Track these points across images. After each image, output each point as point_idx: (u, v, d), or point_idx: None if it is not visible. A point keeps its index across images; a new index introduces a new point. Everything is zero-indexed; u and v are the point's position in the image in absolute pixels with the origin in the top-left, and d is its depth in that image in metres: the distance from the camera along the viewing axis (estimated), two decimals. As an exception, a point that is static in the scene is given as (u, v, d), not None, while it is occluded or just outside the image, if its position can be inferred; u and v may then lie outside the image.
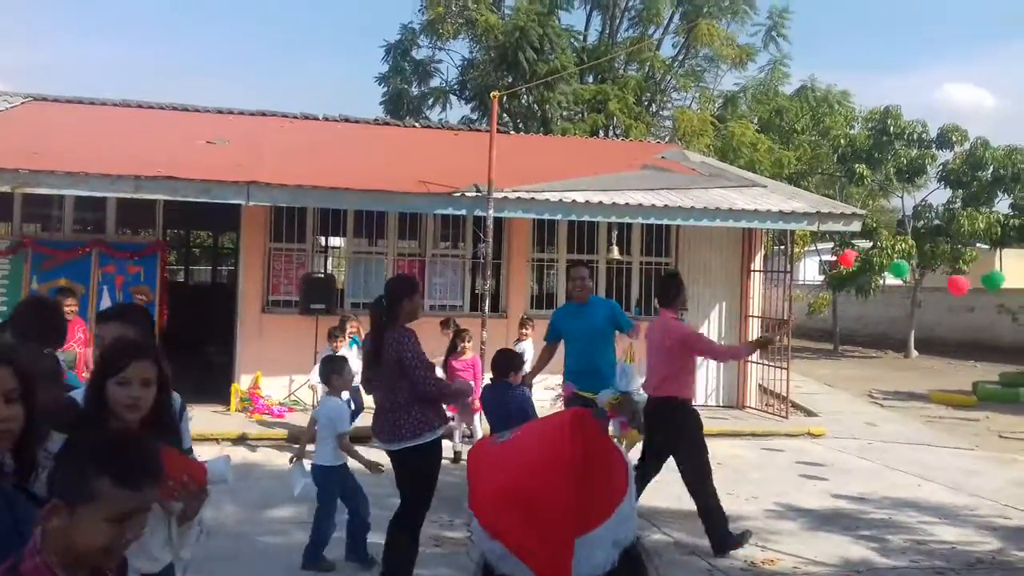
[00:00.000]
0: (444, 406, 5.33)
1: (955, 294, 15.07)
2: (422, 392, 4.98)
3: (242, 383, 11.17)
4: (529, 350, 9.46)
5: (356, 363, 7.62)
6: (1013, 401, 14.90)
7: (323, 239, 13.43)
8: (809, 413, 12.55)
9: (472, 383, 8.08)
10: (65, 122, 12.88)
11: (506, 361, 6.05)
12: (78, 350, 7.87)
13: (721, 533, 6.19)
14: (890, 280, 26.00)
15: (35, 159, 9.84)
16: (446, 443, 7.92)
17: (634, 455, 6.47)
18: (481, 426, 8.84)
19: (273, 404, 10.86)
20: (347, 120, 15.68)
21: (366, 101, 73.71)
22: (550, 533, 1.12)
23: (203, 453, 7.96)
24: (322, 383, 6.32)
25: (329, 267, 14.48)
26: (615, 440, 6.17)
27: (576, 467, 1.15)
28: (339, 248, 14.03)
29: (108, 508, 1.81)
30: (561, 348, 7.15)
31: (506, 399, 5.81)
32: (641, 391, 6.47)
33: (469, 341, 9.03)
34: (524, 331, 10.20)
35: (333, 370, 6.04)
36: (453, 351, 9.00)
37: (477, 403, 8.07)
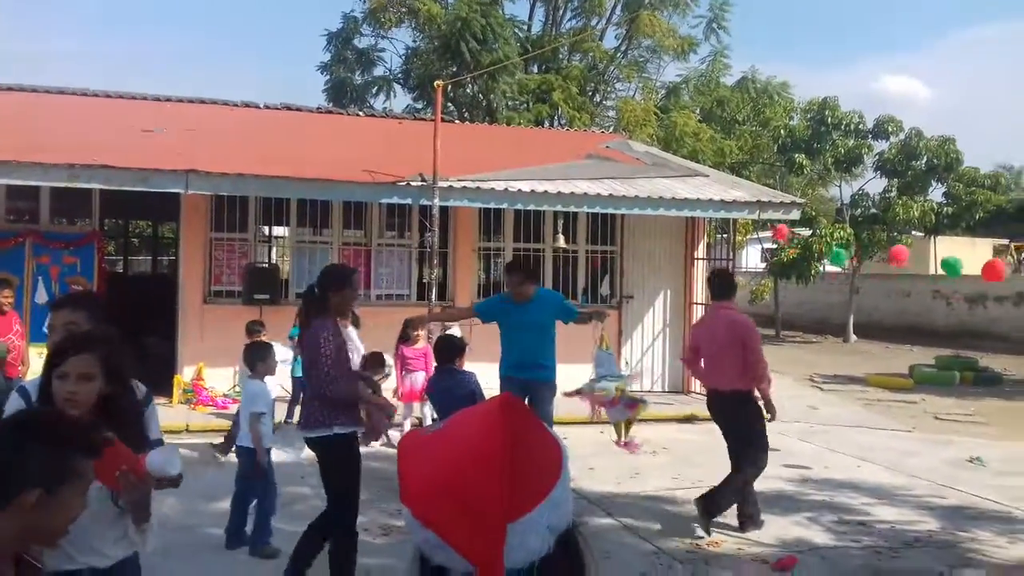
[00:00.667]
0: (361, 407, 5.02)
1: (897, 264, 15.68)
2: (316, 392, 4.87)
3: (184, 375, 10.96)
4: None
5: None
6: (948, 384, 15.37)
7: (266, 229, 13.24)
8: (752, 398, 12.74)
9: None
10: (-5, 109, 12.46)
11: (448, 346, 6.00)
12: (16, 342, 7.62)
13: (753, 511, 6.46)
14: (829, 267, 26.59)
15: (-37, 147, 9.52)
16: (392, 433, 7.93)
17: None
18: (431, 414, 8.81)
19: (217, 396, 10.69)
20: (289, 108, 15.43)
21: (308, 91, 72.46)
22: (481, 521, 1.12)
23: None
24: (247, 368, 6.30)
25: (273, 257, 14.29)
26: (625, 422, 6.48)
27: (505, 455, 1.14)
28: (283, 238, 13.83)
29: (85, 482, 1.85)
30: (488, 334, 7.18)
31: (451, 385, 5.78)
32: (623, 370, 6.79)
33: (419, 331, 8.96)
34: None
35: (258, 357, 6.10)
36: (405, 340, 9.00)
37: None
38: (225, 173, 9.98)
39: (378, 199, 11.03)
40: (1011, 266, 36.81)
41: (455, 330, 8.44)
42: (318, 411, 4.83)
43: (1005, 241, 32.89)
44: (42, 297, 10.65)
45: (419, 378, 8.99)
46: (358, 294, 4.97)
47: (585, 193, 11.26)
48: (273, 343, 6.92)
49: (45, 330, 3.49)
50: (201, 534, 6.10)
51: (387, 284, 12.03)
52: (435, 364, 6.20)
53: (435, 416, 8.21)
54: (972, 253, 31.14)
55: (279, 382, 8.39)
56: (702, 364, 6.83)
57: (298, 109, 15.59)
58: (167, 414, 9.90)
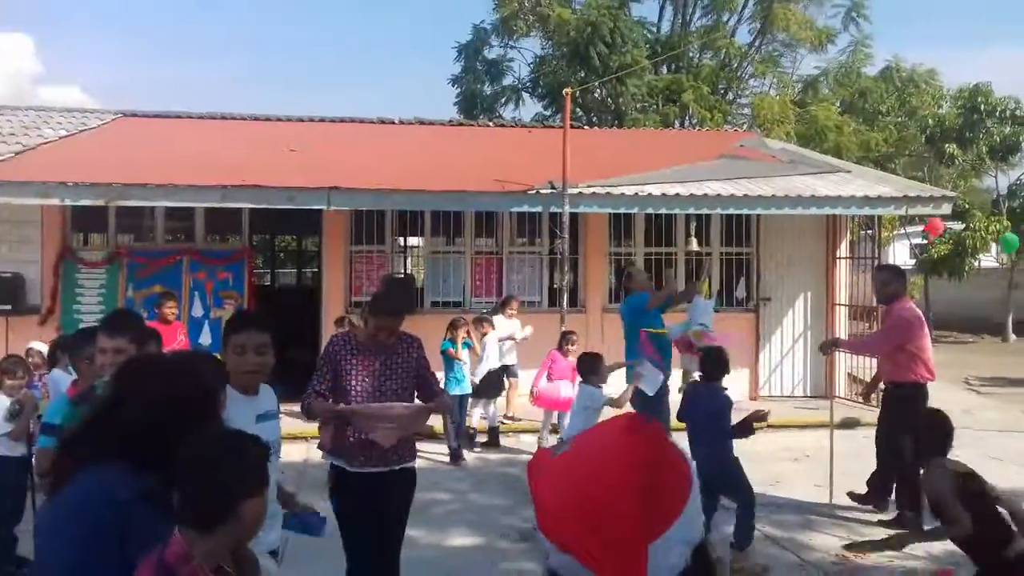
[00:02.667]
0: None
1: None
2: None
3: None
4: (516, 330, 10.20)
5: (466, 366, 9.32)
6: (1122, 386, 14.17)
7: (402, 240, 13.62)
8: (901, 402, 12.13)
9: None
10: (153, 136, 13.38)
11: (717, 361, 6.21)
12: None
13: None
14: (985, 262, 25.04)
15: (127, 173, 10.26)
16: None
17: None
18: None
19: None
20: (422, 122, 15.89)
21: (441, 103, 74.13)
22: (620, 541, 1.11)
23: (291, 452, 8.19)
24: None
25: (408, 267, 14.69)
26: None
27: (640, 471, 1.14)
28: (417, 248, 14.21)
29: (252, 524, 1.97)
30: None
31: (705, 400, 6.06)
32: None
33: (574, 344, 9.33)
34: (480, 329, 9.98)
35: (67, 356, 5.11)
36: (560, 348, 9.45)
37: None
38: (365, 189, 10.36)
39: (509, 208, 11.18)
40: None
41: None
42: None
43: None
44: (198, 311, 11.35)
45: (563, 388, 9.05)
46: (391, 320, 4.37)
47: (718, 194, 11.05)
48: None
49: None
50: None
51: (518, 291, 12.16)
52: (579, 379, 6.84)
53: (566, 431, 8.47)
54: None
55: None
56: None
57: (431, 123, 16.03)
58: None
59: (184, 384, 2.22)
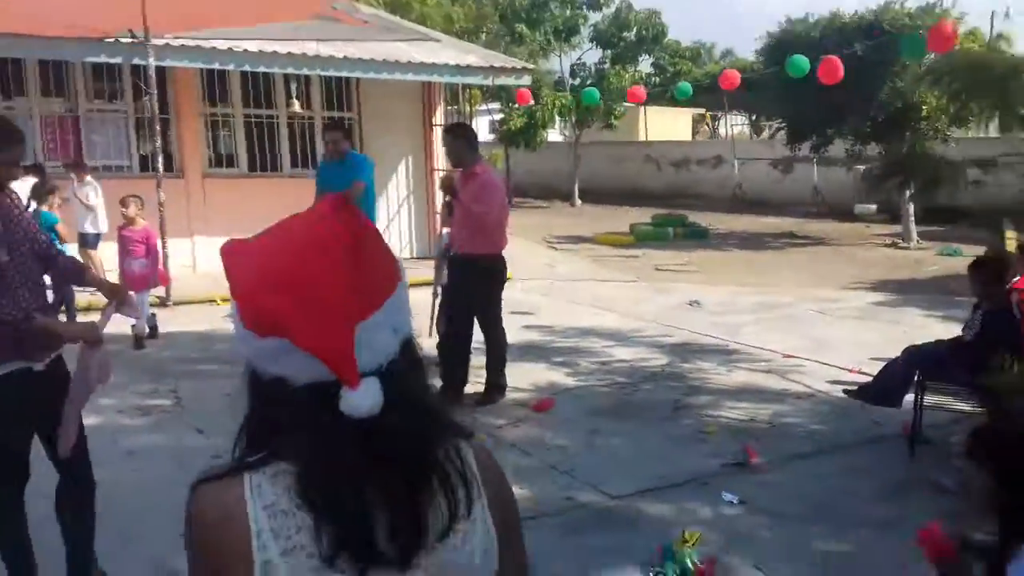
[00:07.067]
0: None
1: (637, 101, 18.58)
2: None
3: None
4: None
5: None
6: (664, 239, 16.80)
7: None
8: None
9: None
10: None
11: None
12: None
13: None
14: (553, 136, 27.73)
15: None
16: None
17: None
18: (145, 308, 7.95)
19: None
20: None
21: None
22: (328, 315, 1.05)
23: None
24: None
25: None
26: None
27: (348, 245, 1.09)
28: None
29: None
30: None
31: None
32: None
33: (137, 208, 7.78)
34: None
35: None
36: (126, 224, 7.79)
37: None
38: None
39: (83, 58, 9.77)
40: (707, 133, 40.57)
41: None
42: None
43: (702, 111, 36.00)
44: None
45: (136, 265, 7.76)
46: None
47: (318, 55, 10.65)
48: None
49: None
50: None
51: (103, 155, 10.83)
52: None
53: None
54: (675, 122, 33.90)
55: None
56: None
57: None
58: None
59: None
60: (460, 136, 6.25)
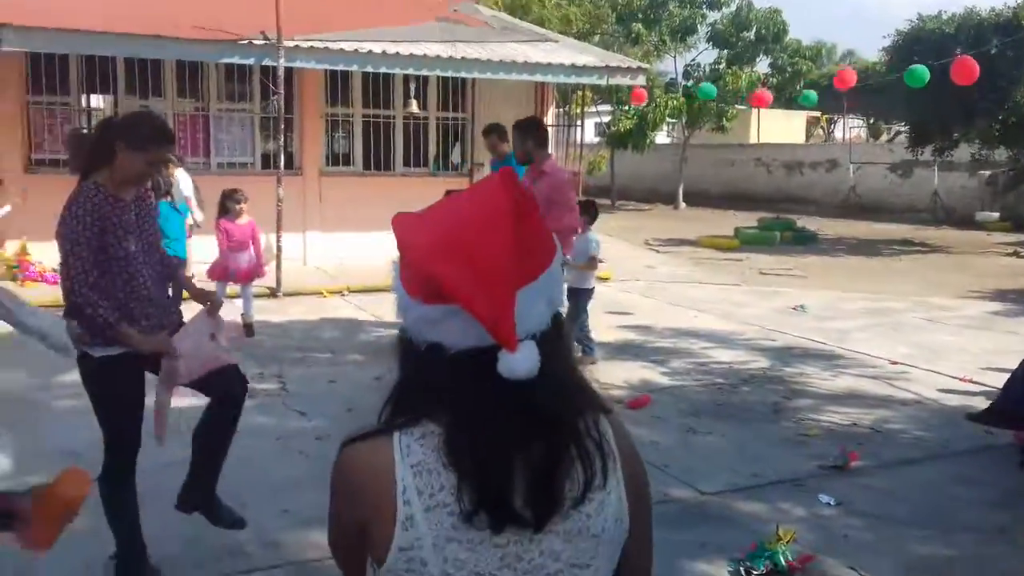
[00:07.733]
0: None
1: (761, 106, 18.10)
2: (64, 296, 3.28)
3: (7, 249, 10.22)
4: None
5: None
6: (770, 243, 16.57)
7: (94, 97, 12.19)
8: (595, 260, 13.32)
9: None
10: None
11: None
12: None
13: None
14: (660, 139, 27.54)
15: None
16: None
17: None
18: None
19: (46, 270, 10.03)
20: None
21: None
22: (492, 276, 1.10)
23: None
24: None
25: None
26: None
27: (515, 216, 1.14)
28: (100, 110, 12.68)
29: None
30: None
31: None
32: None
33: (243, 203, 7.79)
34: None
35: None
36: (225, 213, 7.81)
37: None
38: (43, 28, 9.08)
39: (216, 59, 10.39)
40: (821, 137, 39.44)
41: None
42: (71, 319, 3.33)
43: (817, 114, 35.05)
44: None
45: (243, 259, 7.83)
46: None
47: (438, 56, 11.00)
48: None
49: None
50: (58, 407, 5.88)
51: (229, 152, 11.48)
52: None
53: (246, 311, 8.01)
54: (788, 125, 33.16)
55: None
56: None
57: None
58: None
59: None
60: (531, 131, 6.08)
